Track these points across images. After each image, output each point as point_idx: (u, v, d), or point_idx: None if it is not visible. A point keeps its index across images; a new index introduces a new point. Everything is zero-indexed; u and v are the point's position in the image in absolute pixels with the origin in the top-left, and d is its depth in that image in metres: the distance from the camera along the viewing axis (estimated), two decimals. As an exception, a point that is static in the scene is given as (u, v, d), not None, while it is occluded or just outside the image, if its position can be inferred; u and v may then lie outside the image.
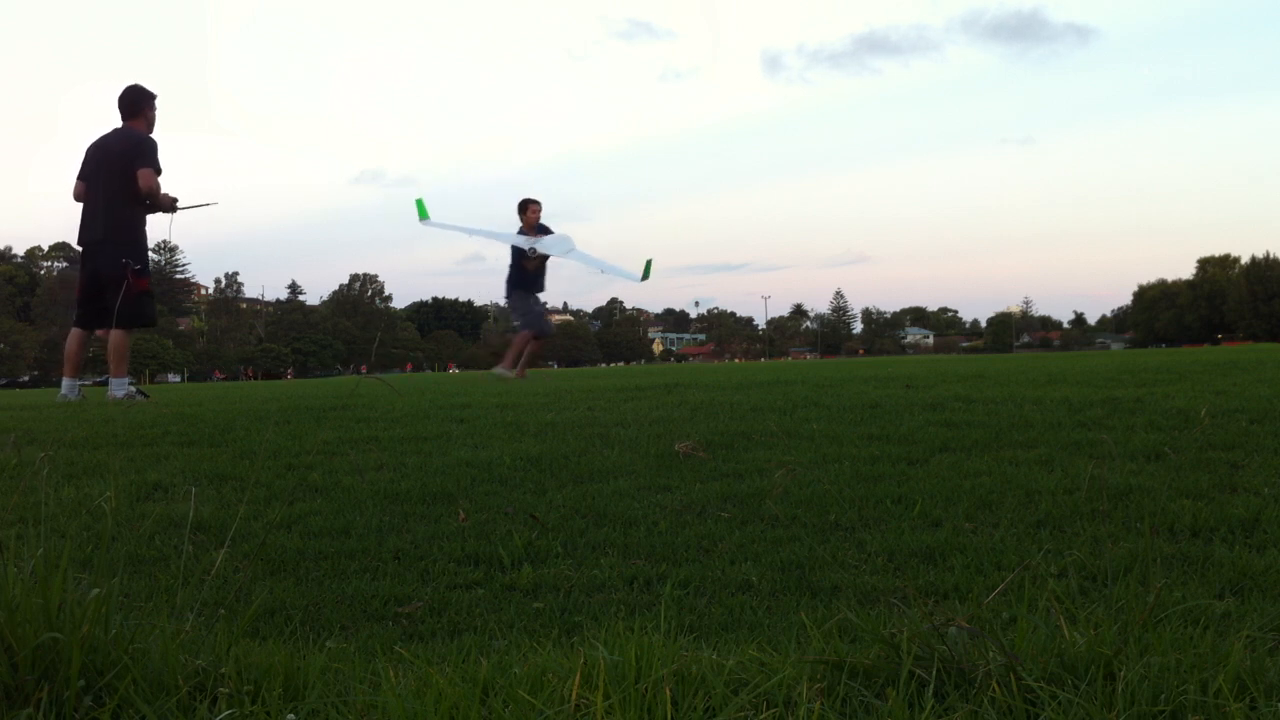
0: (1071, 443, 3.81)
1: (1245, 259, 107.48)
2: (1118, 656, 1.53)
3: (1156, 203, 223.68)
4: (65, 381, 7.32)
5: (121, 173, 7.12)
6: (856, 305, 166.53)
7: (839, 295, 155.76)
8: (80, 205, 7.30)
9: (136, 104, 7.31)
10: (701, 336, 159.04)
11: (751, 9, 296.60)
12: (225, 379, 76.91)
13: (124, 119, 7.31)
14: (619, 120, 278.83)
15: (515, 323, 11.62)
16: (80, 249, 7.32)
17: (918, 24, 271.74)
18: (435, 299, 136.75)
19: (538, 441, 4.27)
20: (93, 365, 21.40)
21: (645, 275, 11.57)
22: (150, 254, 7.79)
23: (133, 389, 7.23)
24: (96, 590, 1.64)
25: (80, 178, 7.30)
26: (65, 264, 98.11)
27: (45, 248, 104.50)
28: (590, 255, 11.53)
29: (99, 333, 7.35)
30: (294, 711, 1.53)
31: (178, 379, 78.06)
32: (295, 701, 1.58)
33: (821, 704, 1.48)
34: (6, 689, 1.52)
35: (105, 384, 7.37)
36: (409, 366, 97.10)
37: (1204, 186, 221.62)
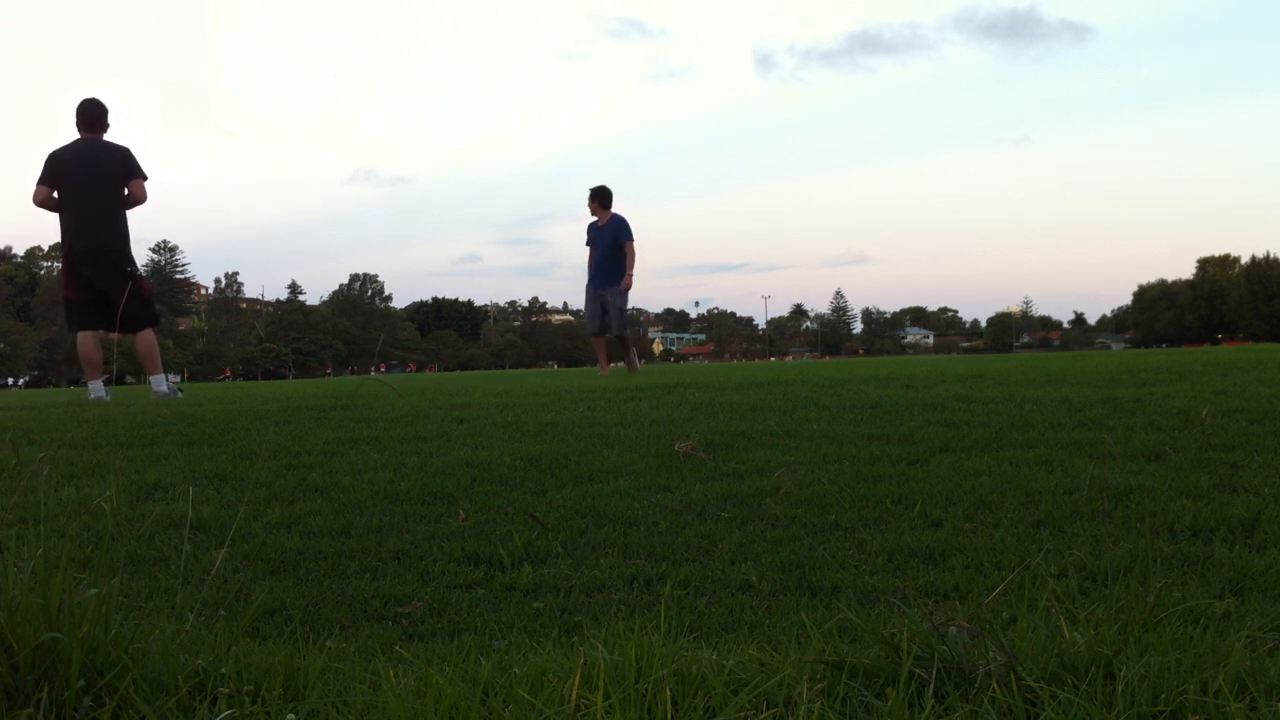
0: (1071, 443, 3.81)
1: (1245, 259, 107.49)
2: (1118, 656, 1.53)
3: (1156, 202, 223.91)
4: (92, 384, 7.36)
5: (117, 181, 7.34)
6: (856, 305, 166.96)
7: (839, 295, 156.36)
8: (56, 212, 7.34)
9: (105, 116, 7.46)
10: (701, 336, 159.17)
11: (742, 7, 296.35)
12: (232, 379, 76.92)
13: (93, 130, 7.40)
14: (613, 119, 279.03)
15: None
16: (73, 255, 7.29)
17: (911, 22, 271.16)
18: (435, 299, 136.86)
19: (538, 441, 4.27)
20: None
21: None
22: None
23: (174, 382, 7.36)
24: (96, 590, 1.64)
25: (45, 183, 7.29)
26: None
27: (45, 248, 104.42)
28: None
29: (113, 335, 7.47)
30: (294, 711, 1.53)
31: (243, 377, 77.97)
32: (295, 701, 1.58)
33: (821, 704, 1.48)
34: (6, 689, 1.52)
35: (95, 384, 7.40)
36: (412, 367, 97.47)
37: (1203, 186, 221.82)
